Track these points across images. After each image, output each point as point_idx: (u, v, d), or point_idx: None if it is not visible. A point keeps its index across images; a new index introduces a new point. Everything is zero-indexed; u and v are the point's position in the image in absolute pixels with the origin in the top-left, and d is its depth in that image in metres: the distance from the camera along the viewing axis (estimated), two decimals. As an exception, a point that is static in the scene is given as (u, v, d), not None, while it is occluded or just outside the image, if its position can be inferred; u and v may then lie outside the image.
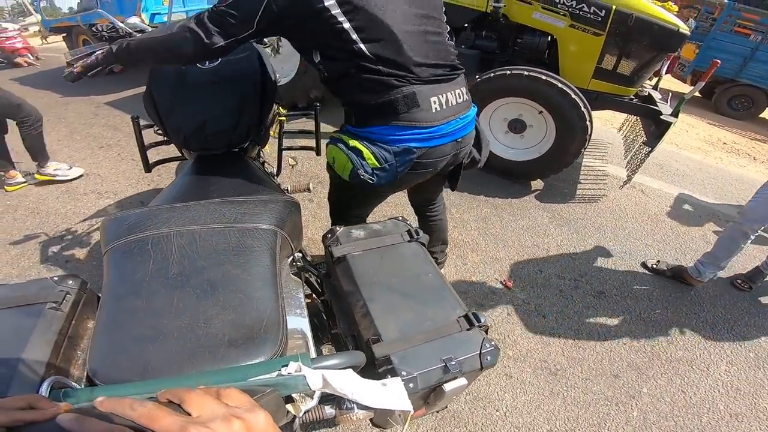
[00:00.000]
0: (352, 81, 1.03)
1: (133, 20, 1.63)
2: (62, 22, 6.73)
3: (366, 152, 1.04)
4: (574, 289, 2.19)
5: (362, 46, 0.97)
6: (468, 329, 0.76)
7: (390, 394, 0.60)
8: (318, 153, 1.61)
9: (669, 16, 2.63)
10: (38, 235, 2.44)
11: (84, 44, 6.74)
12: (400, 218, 1.03)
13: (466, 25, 3.24)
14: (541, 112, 2.77)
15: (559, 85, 2.58)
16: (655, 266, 2.32)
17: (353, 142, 1.06)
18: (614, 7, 2.62)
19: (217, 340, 0.63)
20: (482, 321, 0.77)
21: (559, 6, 2.79)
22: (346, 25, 0.94)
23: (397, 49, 0.99)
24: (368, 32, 0.97)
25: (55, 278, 0.76)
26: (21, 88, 6.85)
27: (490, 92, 2.82)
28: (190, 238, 0.77)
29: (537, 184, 3.04)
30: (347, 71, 1.02)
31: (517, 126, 2.92)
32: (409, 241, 0.95)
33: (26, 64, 4.01)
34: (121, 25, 1.64)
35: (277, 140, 1.72)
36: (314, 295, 1.03)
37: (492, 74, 2.74)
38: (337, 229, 0.96)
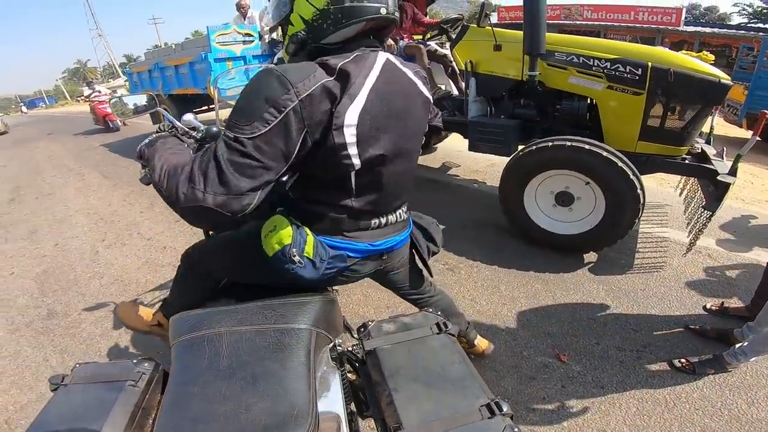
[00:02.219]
0: (313, 196, 1.04)
1: (188, 117, 1.50)
2: (146, 90, 7.59)
3: (310, 238, 1.01)
4: (636, 359, 1.99)
5: (353, 183, 0.99)
6: (489, 417, 0.77)
7: None
8: None
9: (707, 68, 2.48)
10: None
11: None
12: (431, 311, 1.08)
13: (503, 94, 3.23)
14: (587, 183, 2.61)
15: (604, 153, 2.44)
16: (698, 328, 2.12)
17: (307, 228, 1.03)
18: (650, 63, 2.52)
19: (255, 425, 0.72)
20: (505, 409, 0.78)
21: (594, 69, 2.72)
22: (357, 166, 0.95)
23: (374, 197, 1.03)
24: (365, 175, 0.99)
25: (135, 360, 0.95)
26: (109, 155, 7.69)
27: (533, 166, 2.71)
28: (238, 337, 0.89)
29: (590, 256, 2.84)
30: (321, 197, 1.03)
31: (564, 199, 2.76)
32: (437, 333, 0.99)
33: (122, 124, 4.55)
34: (178, 124, 1.50)
35: None
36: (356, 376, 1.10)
37: (534, 147, 2.65)
38: (369, 323, 1.04)
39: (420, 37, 4.28)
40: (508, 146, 3.14)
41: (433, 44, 3.91)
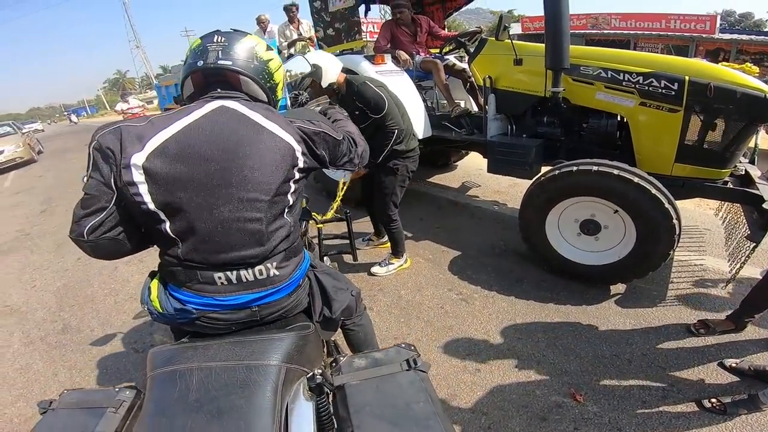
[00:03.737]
0: (155, 244, 1.11)
1: None
2: (171, 104, 7.65)
3: (154, 294, 1.09)
4: (661, 399, 1.80)
5: (169, 230, 1.01)
6: None
7: None
8: (354, 258, 1.65)
9: (751, 81, 2.21)
10: (127, 322, 2.82)
11: None
12: (403, 345, 1.07)
13: (525, 111, 3.04)
14: (616, 212, 2.36)
15: (635, 179, 2.19)
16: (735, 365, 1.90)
17: (155, 281, 1.11)
18: (687, 77, 2.28)
19: None
20: None
21: (624, 84, 2.50)
22: (151, 208, 0.98)
23: (197, 245, 1.02)
24: (176, 221, 1.00)
25: (117, 388, 0.99)
26: None
27: (557, 192, 2.47)
28: (208, 372, 0.91)
29: (617, 287, 2.59)
30: (159, 246, 1.09)
31: (590, 227, 2.51)
32: (407, 370, 0.98)
33: None
34: None
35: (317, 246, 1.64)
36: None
37: (557, 172, 2.42)
38: (341, 357, 1.05)
39: (437, 51, 4.15)
40: (530, 168, 2.92)
41: (451, 58, 3.76)
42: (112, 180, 0.97)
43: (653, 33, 17.78)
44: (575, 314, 2.40)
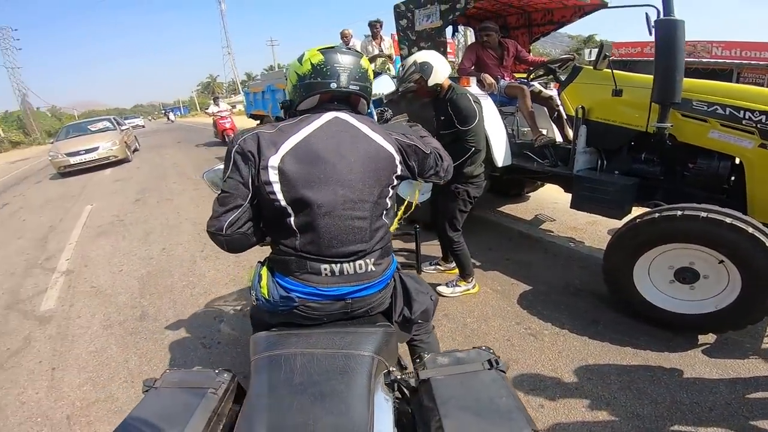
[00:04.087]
0: (272, 236, 1.23)
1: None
2: (257, 110, 8.03)
3: (264, 281, 1.20)
4: None
5: (292, 223, 1.14)
6: None
7: None
8: (418, 272, 1.62)
9: None
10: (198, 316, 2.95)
11: None
12: (484, 348, 1.10)
13: (620, 146, 2.79)
14: (721, 262, 2.08)
15: (750, 230, 1.91)
16: None
17: (264, 269, 1.23)
18: None
19: None
20: None
21: (744, 122, 2.21)
22: (282, 204, 1.12)
23: (314, 238, 1.14)
24: (300, 216, 1.13)
25: (216, 370, 1.05)
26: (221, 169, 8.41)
27: (654, 237, 2.22)
28: (310, 358, 0.99)
29: (707, 336, 2.30)
30: (273, 231, 1.22)
31: (686, 276, 2.23)
32: (489, 369, 1.02)
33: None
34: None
35: None
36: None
37: (656, 215, 2.16)
38: (425, 355, 1.09)
39: (523, 75, 3.98)
40: (621, 208, 2.68)
41: (536, 85, 3.59)
42: (250, 180, 1.11)
43: (761, 63, 15.98)
44: (655, 360, 2.15)
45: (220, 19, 47.65)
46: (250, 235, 1.19)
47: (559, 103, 3.31)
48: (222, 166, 1.29)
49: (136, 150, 13.21)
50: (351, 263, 1.18)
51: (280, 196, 1.10)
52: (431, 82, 2.41)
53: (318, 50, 1.20)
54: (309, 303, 1.17)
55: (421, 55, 2.46)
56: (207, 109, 15.91)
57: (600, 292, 2.70)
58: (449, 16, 3.33)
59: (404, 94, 3.67)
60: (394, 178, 1.23)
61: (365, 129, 1.20)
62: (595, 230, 3.86)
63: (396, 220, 2.28)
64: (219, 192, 1.16)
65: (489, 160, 3.27)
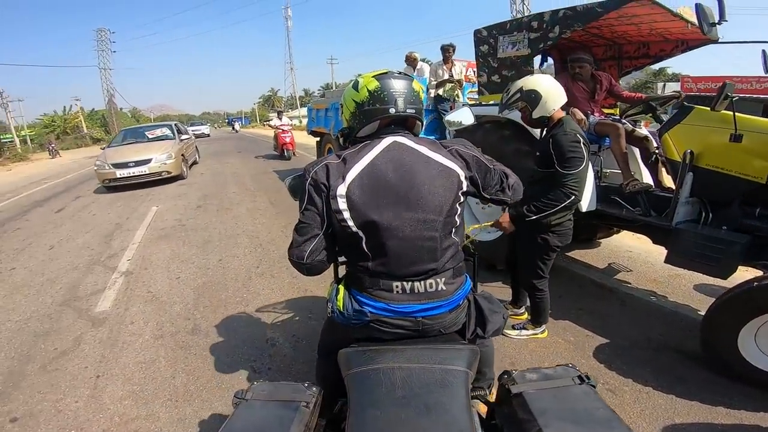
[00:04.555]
0: (347, 257, 1.29)
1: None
2: (319, 127, 8.02)
3: (340, 295, 1.25)
4: None
5: (364, 246, 1.17)
6: None
7: None
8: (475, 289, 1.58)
9: None
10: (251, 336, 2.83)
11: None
12: (570, 365, 1.11)
13: (733, 198, 2.42)
14: None
15: None
16: None
17: (341, 285, 1.28)
18: None
19: None
20: None
21: None
22: (354, 230, 1.15)
23: (385, 260, 1.17)
24: (371, 239, 1.16)
25: (305, 385, 1.06)
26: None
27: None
28: (409, 372, 1.02)
29: None
30: (347, 253, 1.28)
31: None
32: (579, 384, 1.03)
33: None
34: None
35: None
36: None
37: None
38: (513, 372, 1.09)
39: (611, 111, 3.66)
40: (728, 267, 2.33)
41: (627, 123, 3.26)
42: (324, 210, 1.17)
43: None
44: (751, 420, 1.96)
45: (285, 35, 50.13)
46: (325, 262, 1.25)
47: (656, 144, 2.97)
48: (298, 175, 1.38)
49: (195, 163, 11.94)
50: (422, 282, 1.20)
51: (350, 222, 1.14)
52: (537, 114, 2.16)
53: (373, 76, 1.24)
54: (381, 318, 1.20)
55: (530, 81, 2.18)
56: (269, 121, 16.44)
57: (687, 349, 2.47)
58: (539, 44, 3.11)
59: (482, 123, 3.49)
60: (460, 195, 1.23)
61: (425, 150, 1.22)
62: (678, 284, 3.47)
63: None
64: (297, 221, 1.22)
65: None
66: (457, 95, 5.31)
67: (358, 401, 0.98)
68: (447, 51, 5.40)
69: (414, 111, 1.26)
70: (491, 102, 3.74)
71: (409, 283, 1.19)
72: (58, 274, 4.21)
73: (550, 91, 2.12)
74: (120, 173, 8.61)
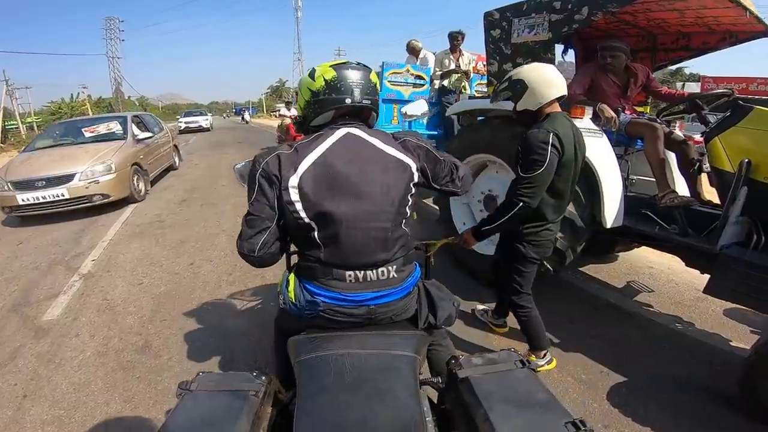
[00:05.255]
0: (299, 247, 1.28)
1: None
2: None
3: (291, 286, 1.25)
4: None
5: (317, 237, 1.17)
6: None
7: None
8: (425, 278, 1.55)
9: None
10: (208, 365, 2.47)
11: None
12: (512, 349, 1.16)
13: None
14: None
15: None
16: None
17: (292, 275, 1.27)
18: None
19: (385, 430, 0.86)
20: (587, 426, 0.85)
21: None
22: (306, 221, 1.16)
23: (338, 250, 1.17)
24: (323, 230, 1.16)
25: (254, 373, 1.05)
26: None
27: None
28: (358, 358, 1.04)
29: None
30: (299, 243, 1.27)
31: None
32: (521, 367, 1.07)
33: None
34: None
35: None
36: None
37: None
38: (460, 356, 1.12)
39: (641, 109, 3.17)
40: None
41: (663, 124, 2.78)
42: (275, 201, 1.17)
43: None
44: None
45: (294, 26, 49.14)
46: (277, 254, 1.26)
47: (698, 151, 2.49)
48: (248, 162, 1.38)
49: (171, 168, 8.77)
50: (374, 271, 1.21)
51: (303, 213, 1.15)
52: (520, 106, 1.90)
53: (330, 66, 1.23)
54: (333, 308, 1.21)
55: (520, 70, 1.89)
56: (277, 112, 15.87)
57: (717, 388, 2.14)
58: (562, 28, 2.60)
59: (490, 119, 3.03)
60: (412, 186, 1.25)
61: (377, 142, 1.23)
62: (706, 308, 3.04)
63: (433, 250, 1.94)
64: (246, 212, 1.20)
65: (592, 217, 2.51)
66: (464, 87, 4.82)
67: (307, 388, 0.98)
68: (455, 39, 4.89)
69: (370, 102, 1.26)
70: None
71: (362, 272, 1.20)
72: (17, 274, 3.86)
73: (537, 82, 1.81)
74: (23, 198, 5.18)
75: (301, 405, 0.93)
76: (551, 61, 2.70)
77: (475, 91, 5.10)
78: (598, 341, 2.62)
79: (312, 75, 1.24)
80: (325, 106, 1.22)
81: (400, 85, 4.72)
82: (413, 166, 1.24)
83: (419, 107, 2.08)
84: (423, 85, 4.98)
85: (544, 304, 2.29)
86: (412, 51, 5.62)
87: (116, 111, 38.18)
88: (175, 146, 9.40)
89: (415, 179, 1.25)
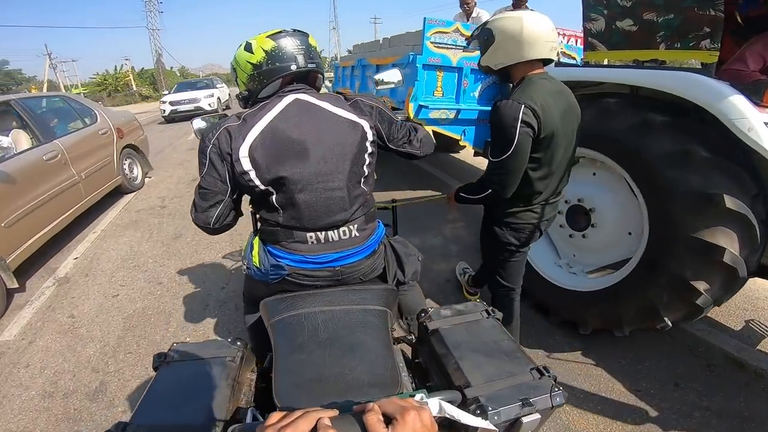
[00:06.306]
0: (259, 213, 1.29)
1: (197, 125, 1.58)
2: (344, 87, 6.84)
3: (256, 250, 1.28)
4: None
5: (274, 201, 1.20)
6: (539, 378, 0.96)
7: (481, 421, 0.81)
8: (391, 235, 1.59)
9: None
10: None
11: None
12: (478, 301, 1.27)
13: None
14: None
15: None
16: None
17: (257, 240, 1.31)
18: None
19: (362, 383, 0.89)
20: (550, 373, 0.97)
21: None
22: (262, 188, 1.18)
23: (296, 213, 1.19)
24: (280, 194, 1.19)
25: (229, 340, 1.10)
26: None
27: None
28: (330, 314, 1.06)
29: None
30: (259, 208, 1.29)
31: None
32: (487, 318, 1.18)
33: None
34: None
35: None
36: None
37: None
38: (429, 309, 1.22)
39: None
40: None
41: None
42: (227, 175, 1.18)
43: None
44: None
45: None
46: (232, 223, 1.30)
47: None
48: (209, 117, 1.50)
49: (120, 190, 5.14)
50: (335, 231, 1.24)
51: (257, 181, 1.16)
52: (483, 61, 1.63)
53: (267, 37, 1.23)
54: (299, 271, 1.24)
55: (498, 19, 1.53)
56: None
57: None
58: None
59: (587, 96, 2.15)
60: (368, 145, 1.26)
61: (327, 105, 1.25)
62: None
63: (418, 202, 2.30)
64: (198, 184, 1.21)
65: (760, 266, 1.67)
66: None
67: (283, 348, 0.99)
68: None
69: (315, 65, 1.27)
70: (607, 62, 2.41)
71: (323, 233, 1.23)
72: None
73: (507, 36, 1.49)
74: None
75: (279, 364, 0.95)
76: (714, 20, 1.73)
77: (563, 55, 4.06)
78: (713, 415, 1.88)
79: (249, 48, 1.24)
80: (270, 76, 1.23)
81: (447, 48, 3.71)
82: (365, 125, 1.26)
83: (393, 75, 1.85)
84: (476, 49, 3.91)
85: (640, 356, 2.09)
86: (465, 6, 4.56)
87: (158, 81, 39.23)
88: (134, 148, 5.44)
89: (369, 137, 1.27)
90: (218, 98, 14.88)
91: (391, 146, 1.36)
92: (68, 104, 4.69)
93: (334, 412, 0.54)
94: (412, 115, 3.71)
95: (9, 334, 2.62)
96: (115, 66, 41.59)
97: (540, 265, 2.37)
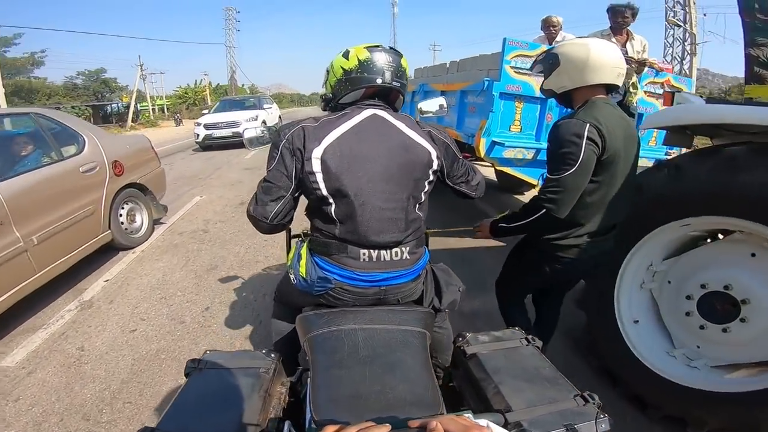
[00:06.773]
0: (314, 222, 1.31)
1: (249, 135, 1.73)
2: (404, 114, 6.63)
3: (303, 260, 1.29)
4: None
5: (333, 212, 1.22)
6: (584, 404, 0.92)
7: None
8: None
9: None
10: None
11: None
12: (517, 329, 1.24)
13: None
14: None
15: None
16: None
17: (305, 249, 1.32)
18: None
19: (403, 401, 0.89)
20: (595, 399, 0.93)
21: None
22: (324, 193, 1.20)
23: (353, 227, 1.20)
24: (340, 206, 1.20)
25: (263, 351, 1.11)
26: None
27: None
28: (371, 332, 1.08)
29: None
30: (314, 217, 1.31)
31: None
32: (527, 345, 1.15)
33: None
34: None
35: None
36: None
37: None
38: (467, 334, 1.20)
39: None
40: None
41: None
42: (294, 172, 1.21)
43: None
44: None
45: (390, 21, 48.81)
46: (286, 224, 1.33)
47: None
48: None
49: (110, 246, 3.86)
50: (387, 251, 1.25)
51: (322, 185, 1.18)
52: (546, 84, 1.61)
53: (365, 48, 1.28)
54: (345, 286, 1.25)
55: (567, 44, 1.52)
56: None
57: None
58: None
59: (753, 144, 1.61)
60: (430, 173, 1.29)
61: (402, 126, 1.27)
62: None
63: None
64: (263, 179, 1.24)
65: None
66: (633, 86, 3.19)
67: (321, 362, 1.00)
68: (621, 15, 3.35)
69: (399, 85, 1.30)
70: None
71: (376, 251, 1.24)
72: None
73: (573, 60, 1.47)
74: None
75: (318, 378, 0.96)
76: None
77: (644, 92, 3.46)
78: None
79: (346, 55, 1.28)
80: (356, 84, 1.27)
81: (530, 75, 3.14)
82: (434, 153, 1.29)
83: (435, 103, 1.77)
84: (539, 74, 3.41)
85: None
86: (548, 28, 4.13)
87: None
88: (141, 187, 4.13)
89: (434, 166, 1.29)
90: (263, 121, 11.89)
91: (448, 182, 1.40)
92: (38, 127, 3.21)
93: (387, 428, 0.55)
94: (482, 153, 3.23)
95: (12, 360, 2.42)
96: (195, 80, 44.88)
97: (644, 353, 1.85)
